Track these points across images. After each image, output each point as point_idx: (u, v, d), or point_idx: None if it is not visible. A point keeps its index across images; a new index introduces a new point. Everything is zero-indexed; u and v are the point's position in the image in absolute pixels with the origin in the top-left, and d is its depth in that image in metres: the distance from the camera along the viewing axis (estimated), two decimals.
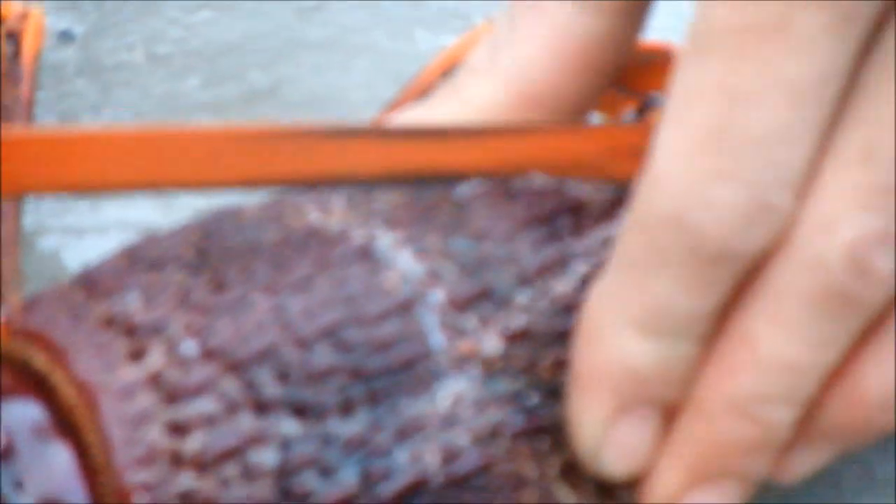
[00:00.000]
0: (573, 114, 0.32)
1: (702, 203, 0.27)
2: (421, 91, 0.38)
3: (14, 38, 0.36)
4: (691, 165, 0.27)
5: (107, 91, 0.56)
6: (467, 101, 0.32)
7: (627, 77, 0.34)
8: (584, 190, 0.30)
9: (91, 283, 0.27)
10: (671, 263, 0.28)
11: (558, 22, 0.32)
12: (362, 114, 0.53)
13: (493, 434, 0.28)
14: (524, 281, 0.29)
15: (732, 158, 0.27)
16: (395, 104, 0.38)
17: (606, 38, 0.32)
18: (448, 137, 0.29)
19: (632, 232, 0.28)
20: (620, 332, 0.28)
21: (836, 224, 0.28)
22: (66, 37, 0.58)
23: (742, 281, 0.29)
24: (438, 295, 0.28)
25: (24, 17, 0.36)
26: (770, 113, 0.27)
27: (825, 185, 0.28)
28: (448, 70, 0.38)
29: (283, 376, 0.26)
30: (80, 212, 0.58)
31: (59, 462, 0.25)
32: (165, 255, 0.28)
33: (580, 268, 0.30)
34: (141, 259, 0.28)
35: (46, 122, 0.57)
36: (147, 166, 0.26)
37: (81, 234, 0.57)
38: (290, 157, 0.28)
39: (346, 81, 0.57)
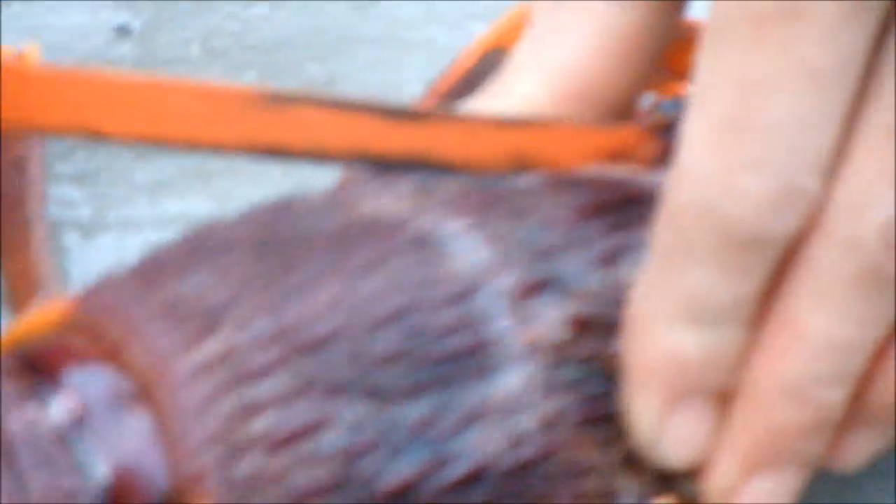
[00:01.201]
0: (619, 105, 0.32)
1: (729, 192, 0.27)
2: (457, 79, 0.38)
3: None
4: (716, 155, 0.28)
5: None
6: (513, 99, 0.32)
7: (674, 57, 0.34)
8: (648, 180, 0.30)
9: (158, 264, 0.28)
10: (705, 252, 0.28)
11: (599, 14, 0.32)
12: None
13: (557, 421, 0.28)
14: (591, 269, 0.29)
15: (756, 146, 0.27)
16: (434, 91, 0.38)
17: (648, 28, 0.32)
18: (430, 121, 0.29)
19: (664, 224, 0.29)
20: (664, 323, 0.28)
21: (867, 205, 0.28)
22: (122, 32, 0.59)
23: (781, 264, 0.29)
24: (505, 281, 0.28)
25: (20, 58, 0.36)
26: (791, 99, 0.27)
27: (853, 167, 0.28)
28: (484, 57, 0.38)
29: (351, 359, 0.26)
30: (139, 205, 0.59)
31: (136, 430, 0.26)
32: (230, 240, 0.28)
33: (638, 259, 0.30)
34: (206, 244, 0.28)
35: None
36: (146, 116, 0.26)
37: (140, 227, 0.58)
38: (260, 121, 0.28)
39: (401, 76, 0.57)
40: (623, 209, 0.30)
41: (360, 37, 0.59)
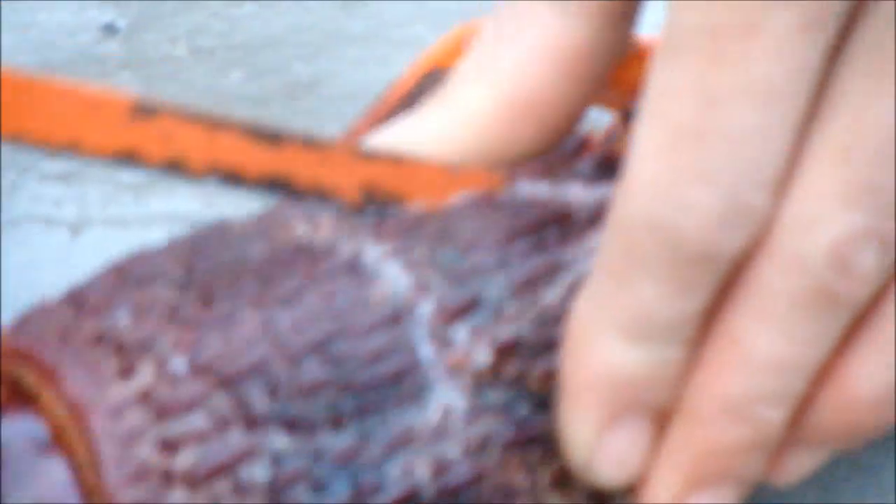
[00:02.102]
0: (564, 118, 0.32)
1: (678, 205, 0.27)
2: (397, 100, 0.38)
3: None
4: (666, 167, 0.27)
5: (150, 84, 0.56)
6: (457, 110, 0.32)
7: (621, 73, 0.34)
8: (571, 196, 0.30)
9: (80, 300, 0.28)
10: (651, 267, 0.28)
11: (545, 28, 0.31)
12: None
13: (484, 445, 0.28)
14: (513, 292, 0.29)
15: (707, 159, 0.27)
16: (372, 114, 0.38)
17: (594, 42, 0.32)
18: (289, 144, 0.29)
19: (611, 237, 0.28)
20: (606, 339, 0.28)
21: (816, 223, 0.28)
22: (109, 30, 0.58)
23: (726, 282, 0.29)
24: (427, 307, 0.28)
25: None
26: (744, 113, 0.27)
27: (804, 185, 0.28)
28: (425, 77, 0.38)
29: (273, 391, 0.26)
30: (125, 203, 0.59)
31: (54, 478, 0.26)
32: (154, 271, 0.28)
33: (568, 277, 0.29)
34: (129, 276, 0.28)
35: None
36: (28, 116, 0.26)
37: (126, 225, 0.58)
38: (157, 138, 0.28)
39: (388, 75, 0.57)
40: (545, 230, 0.30)
41: (347, 35, 0.58)
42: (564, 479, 0.30)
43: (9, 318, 0.50)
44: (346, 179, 0.30)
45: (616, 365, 0.28)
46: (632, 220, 0.28)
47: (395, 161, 0.30)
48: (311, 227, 0.29)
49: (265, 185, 0.29)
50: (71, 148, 0.28)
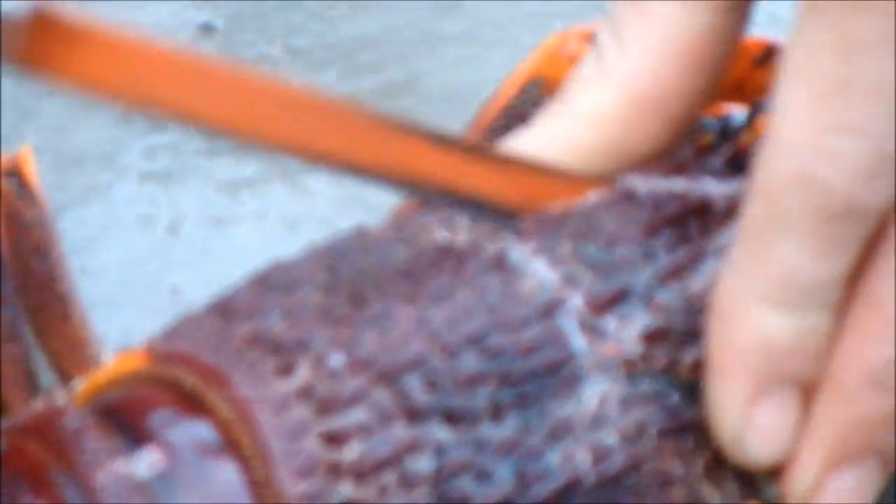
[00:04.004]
0: (685, 115, 0.32)
1: (825, 158, 0.27)
2: (498, 111, 0.38)
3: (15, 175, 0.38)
4: (813, 119, 0.27)
5: None
6: (579, 114, 0.32)
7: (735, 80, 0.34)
8: (707, 189, 0.30)
9: (228, 308, 0.28)
10: (797, 226, 0.27)
11: (663, 23, 0.31)
12: None
13: (640, 433, 0.28)
14: (659, 281, 0.29)
15: (853, 109, 0.27)
16: (476, 124, 0.38)
17: (713, 35, 0.31)
18: (476, 154, 0.29)
19: (756, 198, 0.28)
20: (751, 307, 0.28)
21: None
22: (206, 30, 0.59)
23: (870, 243, 0.28)
24: (576, 299, 0.28)
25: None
26: (888, 62, 0.27)
27: None
28: (524, 88, 0.38)
29: (433, 384, 0.27)
30: (219, 202, 0.59)
31: (224, 479, 0.26)
32: (297, 278, 0.28)
33: (712, 266, 0.29)
34: (273, 284, 0.28)
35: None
36: (180, 94, 0.26)
37: (221, 223, 0.58)
38: (329, 133, 0.28)
39: (484, 75, 0.57)
40: (685, 222, 0.30)
41: (442, 36, 0.58)
42: (716, 467, 0.30)
43: (109, 315, 0.51)
44: (497, 187, 0.30)
45: (763, 334, 0.28)
46: (777, 177, 0.28)
47: (542, 171, 0.30)
48: (449, 231, 0.29)
49: (435, 192, 0.29)
50: (270, 145, 0.28)
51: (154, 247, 0.58)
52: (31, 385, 0.36)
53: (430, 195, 0.29)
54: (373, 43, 0.57)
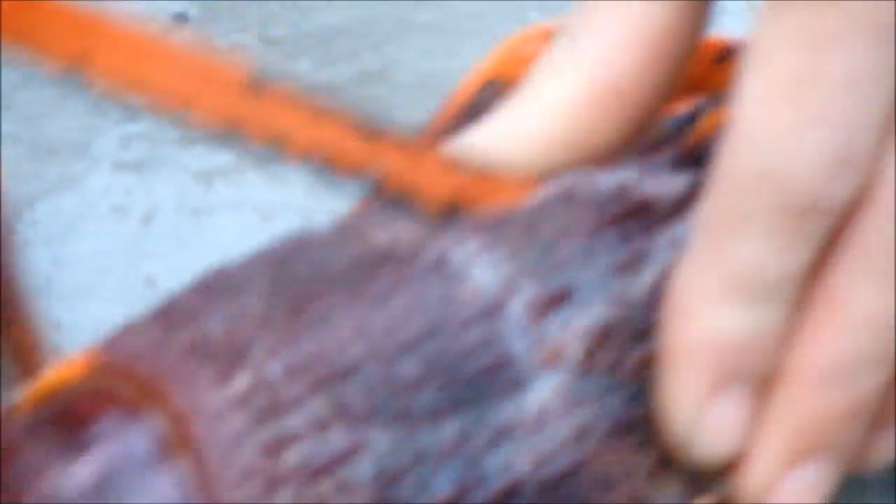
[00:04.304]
0: (649, 108, 0.32)
1: (788, 153, 0.27)
2: (456, 110, 0.38)
3: None
4: (775, 116, 0.27)
5: None
6: (547, 100, 0.31)
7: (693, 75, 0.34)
8: (652, 187, 0.30)
9: (168, 315, 0.28)
10: (759, 221, 0.27)
11: (633, 12, 0.31)
12: None
13: (583, 434, 0.28)
14: (601, 282, 0.29)
15: (817, 104, 0.27)
16: (433, 124, 0.38)
17: (679, 23, 0.31)
18: (387, 142, 0.29)
19: (716, 194, 0.28)
20: (709, 304, 0.28)
21: None
22: (180, 19, 0.59)
23: (831, 237, 0.28)
24: (517, 301, 0.28)
25: None
26: (853, 54, 0.27)
27: None
28: (483, 87, 0.38)
29: (371, 390, 0.27)
30: (194, 192, 0.59)
31: (162, 490, 0.26)
32: (239, 283, 0.28)
33: (654, 266, 0.29)
34: (215, 289, 0.29)
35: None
36: (140, 64, 0.26)
37: (196, 213, 0.58)
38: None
39: (457, 64, 0.57)
40: (628, 221, 0.30)
41: (415, 25, 0.58)
42: (661, 467, 0.30)
43: (83, 306, 0.51)
44: (435, 187, 0.30)
45: (719, 330, 0.28)
46: (740, 171, 0.28)
47: (482, 173, 0.30)
48: (390, 235, 0.29)
49: (357, 177, 0.29)
50: (182, 110, 0.28)
51: (128, 237, 0.58)
52: None
53: (368, 188, 0.29)
54: (347, 32, 0.57)
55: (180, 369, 0.26)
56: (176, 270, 0.55)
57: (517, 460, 0.27)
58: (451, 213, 0.30)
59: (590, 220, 0.29)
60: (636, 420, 0.29)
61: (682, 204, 0.30)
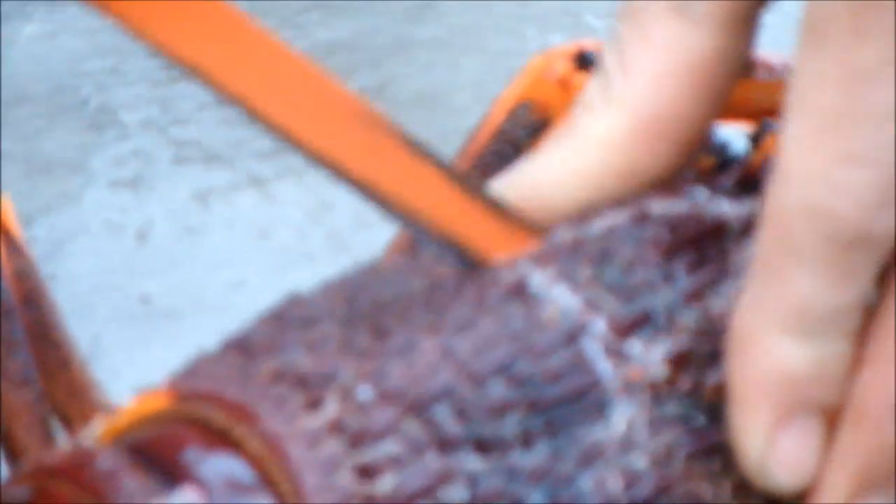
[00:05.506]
0: (693, 137, 0.32)
1: (833, 188, 0.27)
2: (489, 136, 0.38)
3: None
4: (817, 152, 0.27)
5: None
6: (587, 139, 0.31)
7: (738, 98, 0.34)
8: (722, 209, 0.30)
9: (247, 345, 0.28)
10: (809, 255, 0.27)
11: (666, 46, 0.31)
12: (470, 113, 0.53)
13: (668, 456, 0.28)
14: (681, 303, 0.29)
15: (859, 138, 0.27)
16: (467, 151, 0.38)
17: (716, 55, 0.31)
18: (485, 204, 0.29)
19: (766, 229, 0.28)
20: (769, 337, 0.28)
21: None
22: None
23: (885, 270, 0.28)
24: (599, 324, 0.28)
25: None
26: (889, 89, 0.27)
27: None
28: (519, 106, 0.38)
29: (463, 413, 0.27)
30: (189, 210, 0.59)
31: None
32: (316, 312, 0.28)
33: (732, 286, 0.29)
34: (290, 319, 0.28)
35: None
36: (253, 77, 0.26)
37: (190, 231, 0.58)
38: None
39: (455, 80, 0.57)
40: (703, 243, 0.30)
41: (413, 41, 0.58)
42: (743, 488, 0.30)
43: (79, 323, 0.51)
44: (486, 233, 0.30)
45: (782, 363, 0.28)
46: (787, 209, 0.28)
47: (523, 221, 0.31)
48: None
49: (433, 234, 0.29)
50: (286, 135, 0.28)
51: (124, 254, 0.57)
52: (45, 430, 0.37)
53: (409, 224, 0.29)
54: (345, 48, 0.57)
55: (268, 397, 0.26)
56: (172, 288, 0.55)
57: (608, 481, 0.27)
58: (479, 259, 0.30)
59: (666, 243, 0.29)
60: (717, 442, 0.29)
61: (753, 225, 0.30)
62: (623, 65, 0.31)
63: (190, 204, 0.58)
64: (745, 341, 0.28)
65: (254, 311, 0.28)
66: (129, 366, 0.53)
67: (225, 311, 0.52)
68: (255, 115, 0.27)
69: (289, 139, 0.27)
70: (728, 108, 0.33)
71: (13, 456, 0.36)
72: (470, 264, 0.29)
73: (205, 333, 0.28)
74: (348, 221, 0.55)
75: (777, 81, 0.36)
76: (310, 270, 0.31)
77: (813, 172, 0.27)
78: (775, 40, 0.31)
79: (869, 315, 0.28)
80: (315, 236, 0.59)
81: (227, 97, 0.26)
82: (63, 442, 0.29)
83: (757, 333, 0.28)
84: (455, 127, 0.45)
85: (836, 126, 0.27)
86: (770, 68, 0.36)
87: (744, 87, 0.33)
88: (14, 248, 0.37)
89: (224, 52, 0.26)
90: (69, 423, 0.36)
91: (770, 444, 0.28)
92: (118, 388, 0.31)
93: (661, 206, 0.29)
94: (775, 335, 0.28)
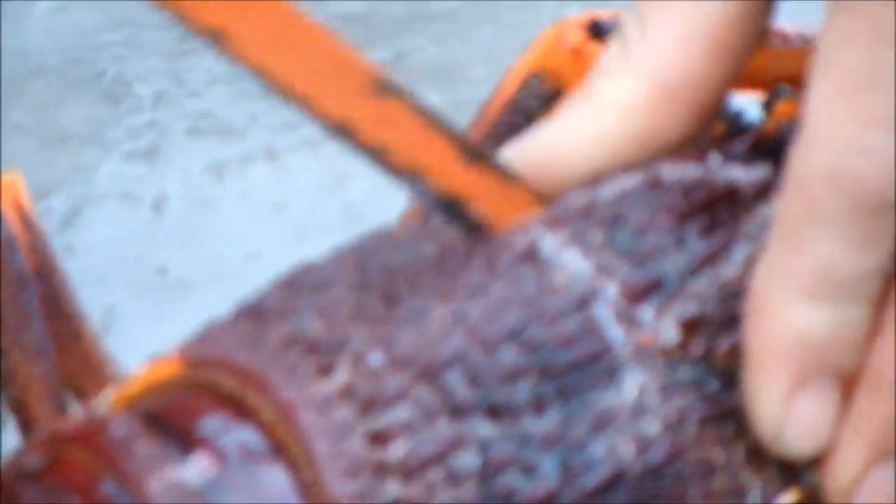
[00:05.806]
0: (710, 103, 0.32)
1: (858, 152, 0.27)
2: (503, 105, 0.38)
3: None
4: (843, 115, 0.27)
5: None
6: (604, 104, 0.31)
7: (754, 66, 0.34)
8: (734, 175, 0.30)
9: (259, 311, 0.28)
10: (832, 220, 0.27)
11: (687, 11, 0.31)
12: (484, 85, 0.53)
13: (681, 421, 0.28)
14: (693, 269, 0.29)
15: (885, 102, 0.27)
16: (481, 120, 0.38)
17: (737, 22, 0.31)
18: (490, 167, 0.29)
19: (790, 194, 0.28)
20: (789, 301, 0.28)
21: None
22: None
23: None
24: (611, 289, 0.28)
25: None
26: None
27: None
28: (526, 81, 0.38)
29: (474, 379, 0.26)
30: (203, 182, 0.59)
31: (273, 483, 0.26)
32: (328, 278, 0.28)
33: (745, 251, 0.29)
34: (303, 285, 0.28)
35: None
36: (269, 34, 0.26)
37: (205, 203, 0.58)
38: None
39: (469, 52, 0.57)
40: (715, 208, 0.30)
41: (428, 13, 0.58)
42: (756, 453, 0.29)
43: (95, 294, 0.51)
44: (498, 200, 0.30)
45: (800, 327, 0.28)
46: (811, 172, 0.27)
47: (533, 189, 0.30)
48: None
49: (441, 201, 0.29)
50: (301, 103, 0.28)
51: (139, 226, 0.58)
52: (58, 401, 0.37)
53: (421, 191, 0.29)
54: (359, 21, 0.57)
55: (280, 363, 0.26)
56: (187, 259, 0.55)
57: (620, 446, 0.27)
58: (487, 225, 0.30)
59: (678, 207, 0.29)
60: (730, 407, 0.29)
61: (766, 190, 0.30)
62: (643, 30, 0.31)
63: (205, 176, 0.58)
64: (763, 305, 0.28)
65: (269, 282, 0.28)
66: (145, 337, 0.53)
67: (240, 282, 0.52)
68: (270, 81, 0.27)
69: (302, 105, 0.27)
70: (743, 77, 0.33)
71: (27, 427, 0.36)
72: (481, 231, 0.29)
73: (220, 305, 0.28)
74: (363, 194, 0.55)
75: (792, 50, 0.36)
76: (325, 242, 0.30)
77: (837, 135, 0.27)
78: (799, 11, 0.31)
79: (888, 281, 0.28)
80: (330, 208, 0.59)
81: (244, 64, 0.26)
82: (76, 412, 0.30)
83: (776, 297, 0.28)
84: (469, 99, 0.45)
85: (862, 88, 0.26)
86: (785, 37, 0.36)
87: (759, 55, 0.33)
88: (26, 221, 0.37)
89: (242, 19, 0.26)
90: (82, 396, 0.36)
91: (786, 408, 0.28)
92: (134, 358, 0.31)
93: (674, 172, 0.29)
94: (794, 299, 0.28)
